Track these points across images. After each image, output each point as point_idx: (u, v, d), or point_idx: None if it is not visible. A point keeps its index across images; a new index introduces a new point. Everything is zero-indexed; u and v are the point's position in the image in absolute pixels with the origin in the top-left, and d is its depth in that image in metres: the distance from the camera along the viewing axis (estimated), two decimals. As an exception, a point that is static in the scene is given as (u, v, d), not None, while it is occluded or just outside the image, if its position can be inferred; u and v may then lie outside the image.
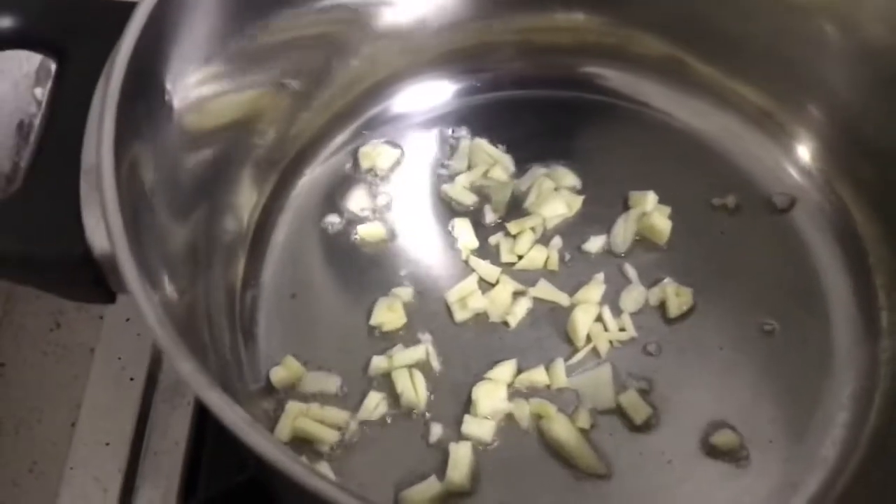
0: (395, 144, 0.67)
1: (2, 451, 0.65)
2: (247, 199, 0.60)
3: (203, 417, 0.61)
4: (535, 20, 0.67)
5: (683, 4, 0.64)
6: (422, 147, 0.67)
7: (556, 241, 0.63)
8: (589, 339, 0.59)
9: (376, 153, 0.66)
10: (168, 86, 0.48)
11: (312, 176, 0.65)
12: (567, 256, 0.62)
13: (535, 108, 0.68)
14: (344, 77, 0.64)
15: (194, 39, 0.49)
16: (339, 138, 0.66)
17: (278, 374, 0.57)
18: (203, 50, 0.50)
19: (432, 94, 0.69)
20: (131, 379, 0.64)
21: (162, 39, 0.46)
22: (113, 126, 0.40)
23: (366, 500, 0.34)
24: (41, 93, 0.82)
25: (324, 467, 0.54)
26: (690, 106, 0.68)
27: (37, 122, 0.81)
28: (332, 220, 0.64)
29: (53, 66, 0.80)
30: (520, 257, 0.62)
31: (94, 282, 0.43)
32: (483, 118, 0.68)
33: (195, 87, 0.50)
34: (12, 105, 0.78)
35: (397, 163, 0.67)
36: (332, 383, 0.57)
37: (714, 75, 0.67)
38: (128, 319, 0.66)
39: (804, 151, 0.66)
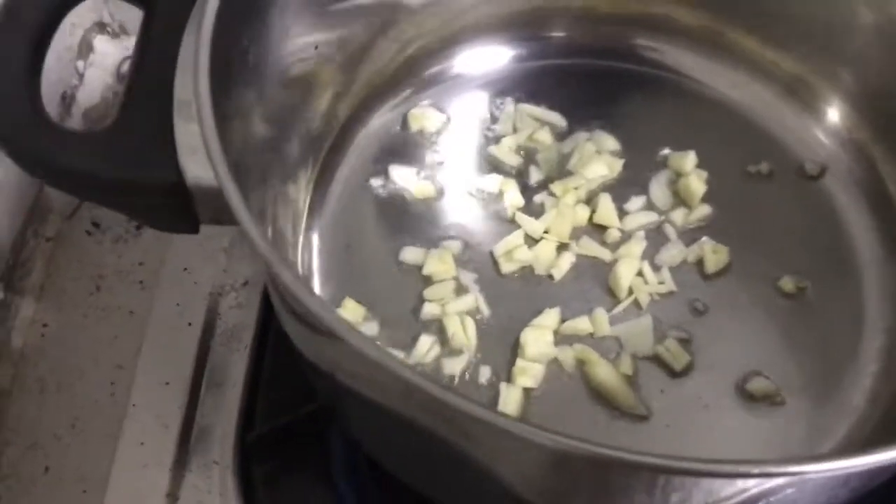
0: (442, 108, 0.70)
1: (45, 408, 0.67)
2: (309, 150, 0.63)
3: (259, 360, 0.64)
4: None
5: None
6: (469, 111, 0.70)
7: (599, 200, 0.65)
8: (630, 291, 0.62)
9: (424, 116, 0.69)
10: (246, 36, 0.51)
11: (368, 132, 0.68)
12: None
13: (581, 76, 0.71)
14: (397, 42, 0.67)
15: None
16: (395, 98, 0.69)
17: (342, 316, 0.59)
18: (278, 5, 0.54)
19: (483, 59, 0.72)
20: (189, 324, 0.67)
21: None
22: (207, 62, 0.43)
23: (466, 397, 0.36)
24: (83, 65, 0.84)
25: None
26: (727, 76, 0.71)
27: (79, 93, 0.84)
28: (385, 176, 0.66)
29: (96, 40, 0.85)
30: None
31: (182, 210, 0.46)
32: (530, 84, 0.71)
33: (271, 38, 0.54)
34: (56, 76, 0.80)
35: (445, 125, 0.69)
36: (375, 328, 0.60)
37: (750, 45, 0.69)
38: (185, 269, 0.70)
39: (836, 118, 0.69)
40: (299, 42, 0.58)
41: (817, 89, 0.69)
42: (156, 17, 0.50)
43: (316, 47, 0.61)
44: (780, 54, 0.69)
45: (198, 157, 0.44)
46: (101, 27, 0.86)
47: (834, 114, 0.69)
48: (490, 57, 0.72)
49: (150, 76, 0.48)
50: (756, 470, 0.36)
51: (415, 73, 0.69)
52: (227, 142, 0.43)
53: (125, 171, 0.45)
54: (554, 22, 0.71)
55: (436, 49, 0.69)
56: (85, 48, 0.85)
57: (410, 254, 0.63)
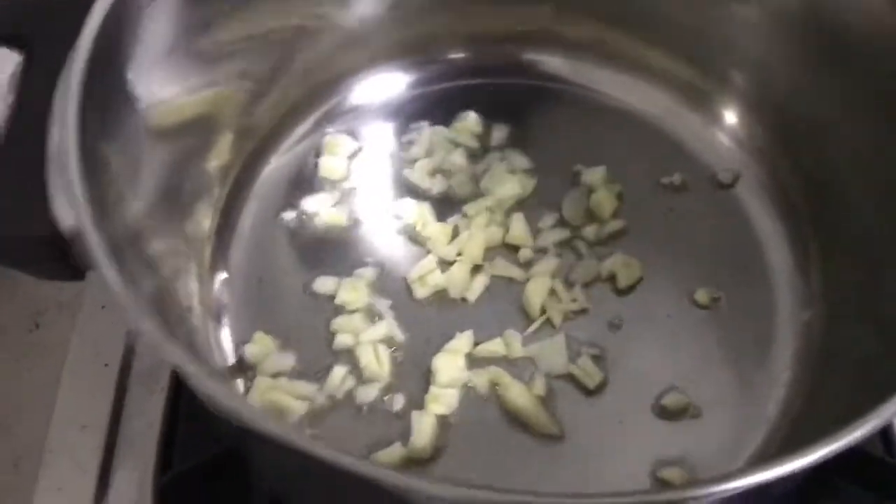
0: (354, 135, 0.70)
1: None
2: (213, 187, 0.62)
3: (176, 400, 0.63)
4: (477, 12, 0.70)
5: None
6: (380, 137, 0.70)
7: (512, 220, 0.65)
8: (543, 310, 0.61)
9: (336, 143, 0.69)
10: (130, 76, 0.50)
11: (276, 165, 0.68)
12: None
13: (484, 96, 0.71)
14: (299, 72, 0.67)
15: (154, 32, 0.52)
16: (300, 130, 0.69)
17: (251, 350, 0.59)
18: (164, 43, 0.53)
19: (386, 86, 0.72)
20: (106, 365, 0.66)
21: (122, 33, 0.49)
22: (76, 112, 0.43)
23: (340, 450, 0.36)
24: (15, 101, 0.84)
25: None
26: (625, 84, 0.71)
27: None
28: (297, 208, 0.66)
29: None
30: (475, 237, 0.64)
31: (61, 258, 0.45)
32: (437, 107, 0.71)
33: (156, 81, 0.53)
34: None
35: (357, 152, 0.69)
36: (288, 360, 0.60)
37: (637, 51, 0.70)
38: (103, 307, 0.69)
39: (736, 124, 0.69)
40: (192, 82, 0.58)
41: (713, 94, 0.69)
42: (34, 59, 0.49)
43: (211, 84, 0.60)
44: (669, 59, 0.69)
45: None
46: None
47: (733, 119, 0.69)
48: (391, 83, 0.72)
49: (27, 124, 0.47)
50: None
51: (317, 104, 0.69)
52: (103, 191, 0.42)
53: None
54: (448, 45, 0.71)
55: (336, 79, 0.69)
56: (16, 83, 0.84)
57: (323, 284, 0.63)
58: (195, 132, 0.59)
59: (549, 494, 0.40)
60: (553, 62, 0.72)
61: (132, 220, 0.49)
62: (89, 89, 0.44)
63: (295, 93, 0.67)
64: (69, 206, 0.43)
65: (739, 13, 0.64)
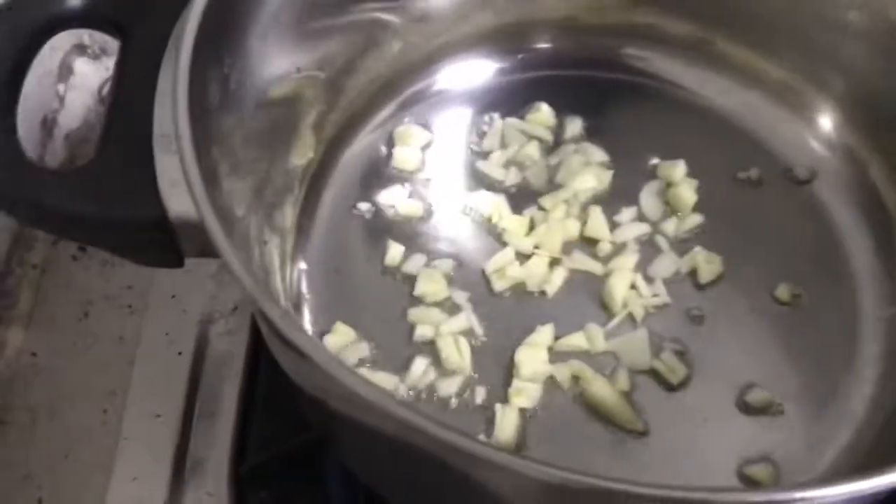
0: (427, 125, 0.69)
1: (37, 439, 0.66)
2: (294, 182, 0.62)
3: (251, 389, 0.63)
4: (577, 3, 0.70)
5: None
6: (454, 127, 0.70)
7: (589, 213, 0.65)
8: (625, 305, 0.61)
9: (409, 133, 0.68)
10: (227, 61, 0.50)
11: (351, 156, 0.67)
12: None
13: (566, 88, 0.71)
14: (383, 58, 0.67)
15: (253, 18, 0.51)
16: (378, 118, 0.69)
17: (332, 340, 0.59)
18: (259, 28, 0.53)
19: (467, 74, 0.71)
20: (179, 353, 0.66)
21: (225, 16, 0.49)
22: (186, 94, 0.43)
23: (450, 426, 0.36)
24: (63, 88, 0.84)
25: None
26: (715, 83, 0.71)
27: (60, 117, 0.83)
28: (371, 199, 0.66)
29: (76, 62, 0.84)
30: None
31: (166, 245, 0.45)
32: (515, 97, 0.70)
33: (252, 63, 0.53)
34: (37, 101, 0.80)
35: (430, 143, 0.69)
36: (368, 351, 0.59)
37: (738, 53, 0.69)
38: (173, 296, 0.69)
39: (826, 123, 0.69)
40: (281, 64, 0.58)
41: (807, 95, 0.69)
42: (132, 47, 0.49)
43: (298, 69, 0.60)
44: (769, 61, 0.69)
45: (180, 190, 0.43)
46: (80, 49, 0.86)
47: (824, 119, 0.69)
48: (474, 71, 0.71)
49: (128, 109, 0.47)
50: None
51: (397, 91, 0.69)
52: (209, 173, 0.42)
53: (105, 209, 0.44)
54: (537, 34, 0.71)
55: (418, 66, 0.69)
56: (65, 71, 0.84)
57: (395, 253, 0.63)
58: (281, 118, 0.59)
59: (650, 484, 0.39)
60: (644, 57, 0.72)
61: (232, 208, 0.48)
62: (196, 69, 0.44)
63: (373, 83, 0.67)
64: (177, 189, 0.42)
65: (848, 19, 0.64)
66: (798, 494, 0.40)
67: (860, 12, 0.63)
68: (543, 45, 0.72)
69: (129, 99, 0.47)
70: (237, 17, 0.50)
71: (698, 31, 0.70)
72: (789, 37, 0.67)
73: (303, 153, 0.63)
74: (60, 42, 0.83)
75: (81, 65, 0.85)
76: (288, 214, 0.62)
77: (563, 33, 0.71)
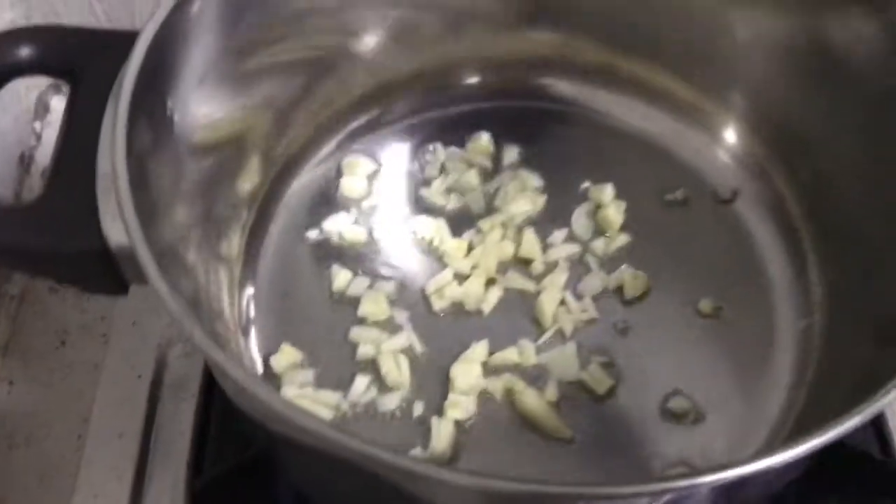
0: (373, 156, 0.73)
1: (13, 465, 0.69)
2: (242, 209, 0.66)
3: (206, 408, 0.67)
4: (493, 40, 0.74)
5: (605, 13, 0.71)
6: (398, 158, 0.73)
7: (524, 235, 0.68)
8: (555, 320, 0.64)
9: (355, 164, 0.72)
10: (169, 103, 0.54)
11: (300, 186, 0.71)
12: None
13: (504, 118, 0.75)
14: (323, 97, 0.71)
15: (190, 63, 0.55)
16: (322, 152, 0.72)
17: (278, 361, 0.62)
18: (197, 72, 0.57)
19: (414, 105, 0.75)
20: (139, 376, 0.69)
21: (162, 63, 0.53)
22: (124, 136, 0.47)
23: (375, 442, 0.39)
24: (40, 126, 0.87)
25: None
26: (636, 109, 0.74)
27: (37, 153, 0.86)
28: (320, 226, 0.69)
29: (52, 100, 0.88)
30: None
31: (109, 274, 0.48)
32: (452, 129, 0.74)
33: (192, 105, 0.57)
34: (14, 138, 0.83)
35: (376, 172, 0.73)
36: (312, 371, 0.62)
37: (646, 76, 0.73)
38: (133, 323, 0.72)
39: (737, 142, 0.72)
40: (224, 103, 0.61)
41: (713, 114, 0.72)
42: (81, 91, 0.53)
43: (244, 106, 0.64)
44: (676, 83, 0.73)
45: (120, 224, 0.47)
46: (56, 88, 0.89)
47: (735, 137, 0.72)
48: (416, 104, 0.75)
49: (74, 149, 0.51)
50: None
51: (341, 126, 0.72)
52: (147, 207, 0.46)
53: (52, 242, 0.48)
54: (464, 71, 0.75)
55: (359, 102, 0.73)
56: (41, 109, 0.88)
57: (342, 279, 0.66)
58: (228, 153, 0.62)
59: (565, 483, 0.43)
60: (562, 86, 0.76)
61: (172, 238, 0.52)
62: (136, 112, 0.48)
63: (317, 117, 0.71)
64: (118, 223, 0.46)
65: (740, 38, 0.68)
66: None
67: (744, 24, 0.67)
68: (472, 80, 0.76)
69: (75, 140, 0.51)
70: (174, 64, 0.54)
71: (602, 57, 0.74)
72: (683, 55, 0.71)
73: (251, 182, 0.66)
74: (37, 82, 0.86)
75: (58, 102, 0.88)
76: (235, 242, 0.65)
77: (486, 69, 0.75)
